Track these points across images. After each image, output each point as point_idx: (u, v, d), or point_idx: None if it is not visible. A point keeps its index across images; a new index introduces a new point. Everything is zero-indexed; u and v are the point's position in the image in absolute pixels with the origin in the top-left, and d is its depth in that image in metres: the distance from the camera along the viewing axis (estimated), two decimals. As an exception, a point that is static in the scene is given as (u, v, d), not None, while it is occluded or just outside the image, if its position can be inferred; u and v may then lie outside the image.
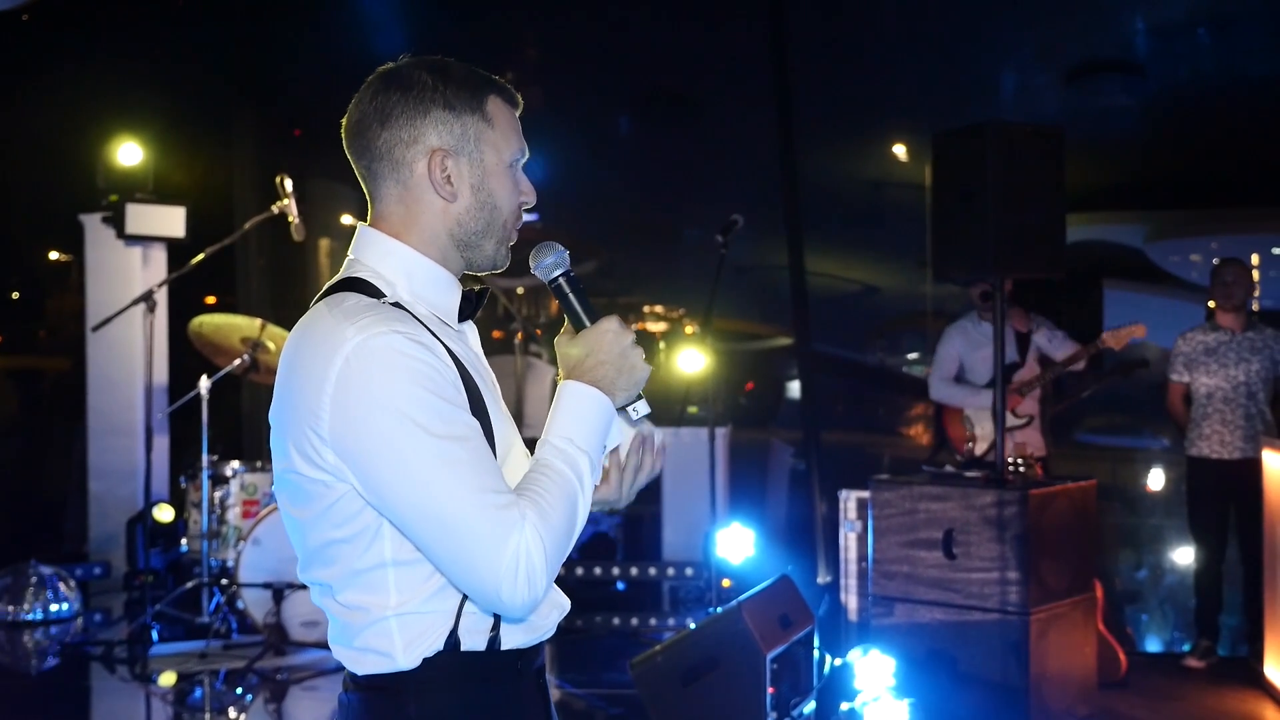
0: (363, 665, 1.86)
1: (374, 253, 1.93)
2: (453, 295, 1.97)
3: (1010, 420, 6.51)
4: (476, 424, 1.82)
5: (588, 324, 1.98)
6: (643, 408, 1.99)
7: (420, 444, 1.74)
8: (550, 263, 1.98)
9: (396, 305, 1.85)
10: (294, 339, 1.86)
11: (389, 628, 1.83)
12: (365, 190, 1.97)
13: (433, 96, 1.90)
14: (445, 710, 1.85)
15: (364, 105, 1.93)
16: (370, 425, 1.74)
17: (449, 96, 1.91)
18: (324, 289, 1.93)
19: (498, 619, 1.87)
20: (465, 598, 1.84)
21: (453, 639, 1.84)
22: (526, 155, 2.00)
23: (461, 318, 1.98)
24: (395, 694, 1.84)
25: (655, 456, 2.07)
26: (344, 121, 1.96)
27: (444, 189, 1.91)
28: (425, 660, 1.83)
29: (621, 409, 1.98)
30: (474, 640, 1.86)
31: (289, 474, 1.84)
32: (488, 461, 1.79)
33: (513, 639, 1.90)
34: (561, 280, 1.98)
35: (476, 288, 2.02)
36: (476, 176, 1.93)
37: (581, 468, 1.87)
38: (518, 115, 2.01)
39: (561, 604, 2.02)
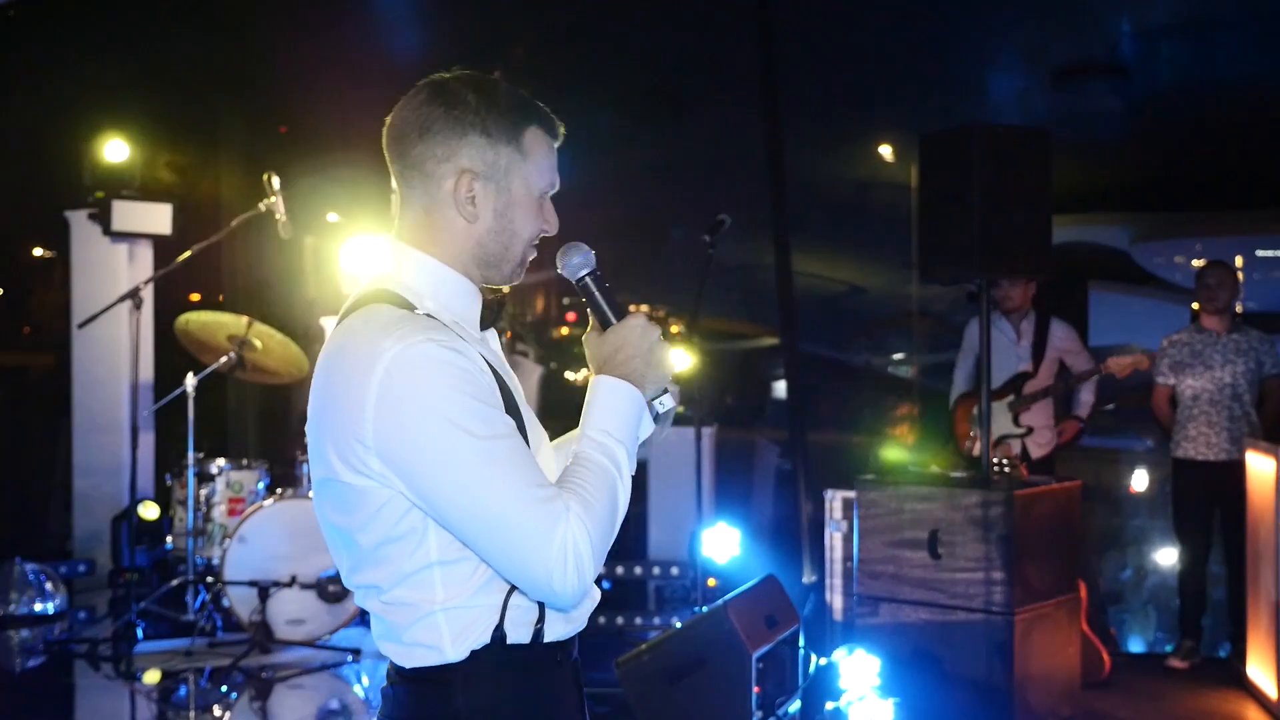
0: (411, 659, 1.91)
1: (403, 265, 1.98)
2: (475, 304, 2.01)
3: (1012, 429, 6.54)
4: (513, 422, 1.87)
5: (614, 321, 2.03)
6: (668, 400, 2.04)
7: (463, 446, 1.79)
8: (577, 263, 2.03)
9: (428, 316, 1.89)
10: (330, 352, 1.90)
11: (436, 622, 1.87)
12: (396, 190, 2.01)
13: (472, 120, 1.94)
14: (490, 700, 1.90)
15: (408, 113, 1.97)
16: (414, 432, 1.79)
17: (488, 123, 1.95)
18: (352, 300, 1.96)
19: (543, 612, 1.92)
20: (511, 591, 1.88)
21: (499, 631, 1.89)
22: (557, 187, 2.04)
23: (483, 326, 2.02)
24: (442, 685, 1.89)
25: None
26: (387, 120, 2.00)
27: (466, 209, 1.95)
28: (473, 652, 1.88)
29: (649, 403, 2.03)
30: (519, 633, 1.91)
31: (331, 483, 1.88)
32: (528, 458, 1.84)
33: (554, 631, 1.96)
34: (588, 279, 2.03)
35: (494, 296, 2.06)
36: (501, 203, 1.97)
37: (619, 458, 1.93)
38: (556, 146, 2.04)
39: (595, 595, 2.08)
